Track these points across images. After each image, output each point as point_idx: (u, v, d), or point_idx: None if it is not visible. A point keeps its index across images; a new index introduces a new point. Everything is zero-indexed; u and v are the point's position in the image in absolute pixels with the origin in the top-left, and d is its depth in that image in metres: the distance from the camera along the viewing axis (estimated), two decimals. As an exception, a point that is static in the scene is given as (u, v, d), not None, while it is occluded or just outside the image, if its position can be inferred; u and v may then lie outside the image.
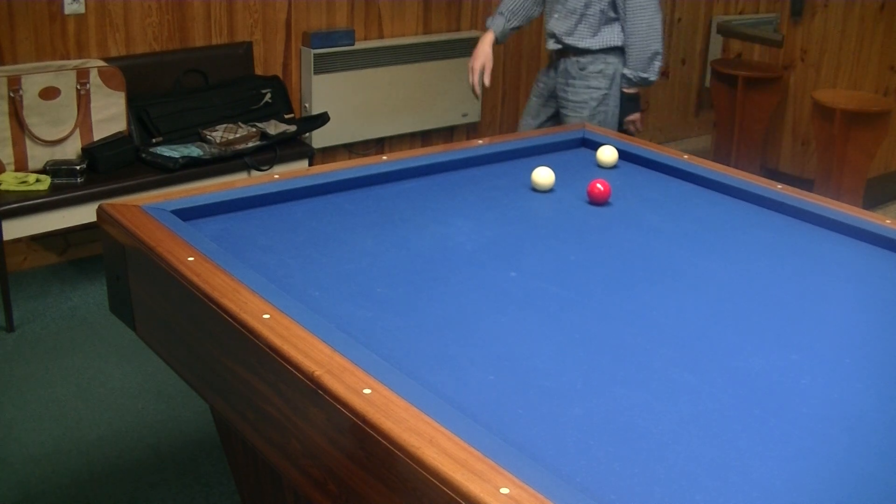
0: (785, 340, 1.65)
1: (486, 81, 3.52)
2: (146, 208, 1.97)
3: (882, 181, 4.95)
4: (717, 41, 5.81)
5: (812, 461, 1.32)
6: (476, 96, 3.59)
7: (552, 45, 3.53)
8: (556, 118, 3.63)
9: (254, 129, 3.93)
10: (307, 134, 4.19)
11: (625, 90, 3.49)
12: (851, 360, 1.60)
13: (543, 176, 2.30)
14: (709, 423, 1.40)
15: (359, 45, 4.44)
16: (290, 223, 2.06)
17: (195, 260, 1.74)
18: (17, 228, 3.38)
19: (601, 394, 1.46)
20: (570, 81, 3.49)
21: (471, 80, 3.53)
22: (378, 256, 1.91)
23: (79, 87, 3.62)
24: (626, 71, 3.45)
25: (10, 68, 3.56)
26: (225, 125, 3.90)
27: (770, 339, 1.65)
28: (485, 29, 3.60)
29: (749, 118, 5.01)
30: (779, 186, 2.32)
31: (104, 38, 3.85)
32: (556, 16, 3.46)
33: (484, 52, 3.51)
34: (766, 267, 1.95)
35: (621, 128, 3.53)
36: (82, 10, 3.76)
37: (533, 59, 5.22)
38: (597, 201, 2.24)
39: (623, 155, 2.54)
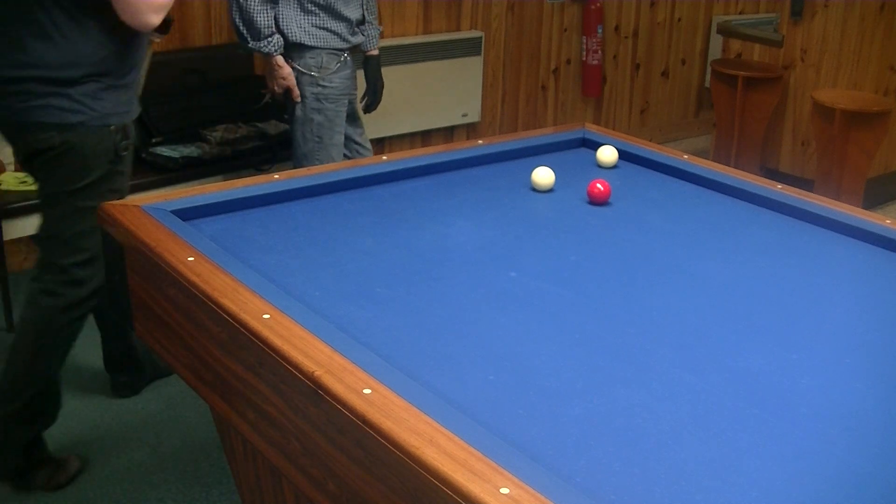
0: (785, 340, 1.65)
1: (297, 98, 3.32)
2: (146, 208, 1.97)
3: (882, 181, 4.96)
4: (717, 41, 5.81)
5: (812, 461, 1.32)
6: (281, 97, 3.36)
7: (356, 38, 3.34)
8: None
9: (254, 129, 3.92)
10: (307, 134, 4.19)
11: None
12: (851, 360, 1.60)
13: (543, 176, 2.30)
14: (709, 423, 1.40)
15: (359, 45, 4.44)
16: (290, 223, 2.06)
17: (195, 260, 1.74)
18: (17, 228, 3.38)
19: (601, 394, 1.46)
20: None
21: (280, 86, 3.31)
22: (378, 256, 1.91)
23: (79, 87, 3.61)
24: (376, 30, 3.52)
25: (10, 68, 3.56)
26: (225, 125, 3.90)
27: (770, 339, 1.65)
28: (268, 55, 3.26)
29: (749, 118, 5.01)
30: (779, 186, 2.32)
31: (104, 38, 3.85)
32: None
33: (289, 72, 3.28)
34: (766, 267, 1.95)
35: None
36: (82, 10, 3.76)
37: (533, 58, 5.22)
38: (597, 201, 2.24)
39: (623, 155, 2.53)
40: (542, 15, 5.20)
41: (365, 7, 3.40)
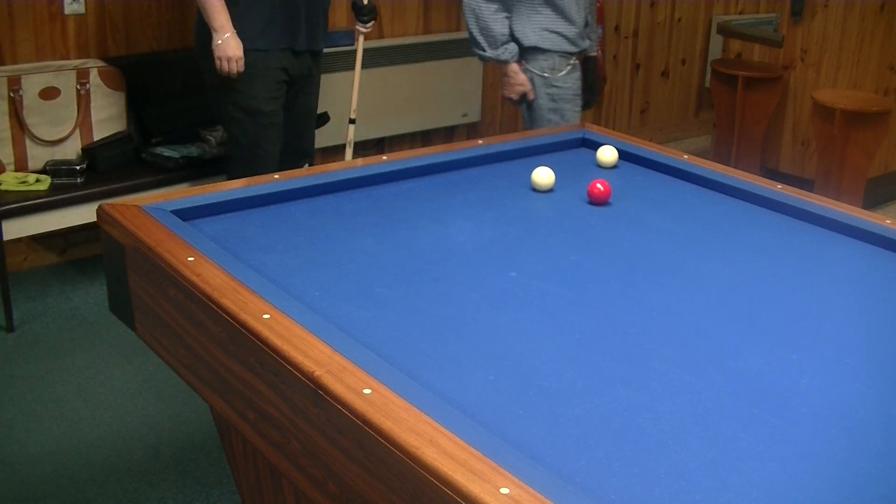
0: (785, 340, 1.65)
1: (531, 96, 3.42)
2: (146, 208, 1.97)
3: (882, 181, 4.95)
4: (717, 41, 5.81)
5: (812, 461, 1.32)
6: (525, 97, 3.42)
7: (584, 42, 3.42)
8: None
9: (254, 129, 3.92)
10: (307, 134, 4.18)
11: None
12: (851, 360, 1.60)
13: (543, 176, 2.30)
14: (709, 423, 1.40)
15: (359, 45, 4.44)
16: (290, 223, 2.06)
17: (195, 260, 1.74)
18: (17, 228, 3.38)
19: (601, 394, 1.46)
20: None
21: (517, 93, 3.40)
22: (378, 256, 1.91)
23: (79, 87, 3.63)
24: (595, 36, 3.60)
25: (10, 68, 3.56)
26: (225, 125, 3.90)
27: (770, 339, 1.65)
28: (504, 63, 3.35)
29: (749, 118, 5.01)
30: (779, 186, 2.32)
31: (104, 38, 3.85)
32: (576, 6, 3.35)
33: (525, 79, 3.36)
34: (767, 267, 1.95)
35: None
36: (82, 10, 3.76)
37: (533, 59, 5.22)
38: (597, 201, 2.24)
39: (623, 155, 2.54)
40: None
41: (587, 11, 3.45)
